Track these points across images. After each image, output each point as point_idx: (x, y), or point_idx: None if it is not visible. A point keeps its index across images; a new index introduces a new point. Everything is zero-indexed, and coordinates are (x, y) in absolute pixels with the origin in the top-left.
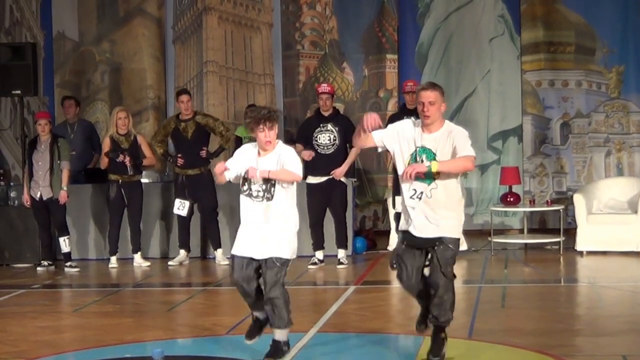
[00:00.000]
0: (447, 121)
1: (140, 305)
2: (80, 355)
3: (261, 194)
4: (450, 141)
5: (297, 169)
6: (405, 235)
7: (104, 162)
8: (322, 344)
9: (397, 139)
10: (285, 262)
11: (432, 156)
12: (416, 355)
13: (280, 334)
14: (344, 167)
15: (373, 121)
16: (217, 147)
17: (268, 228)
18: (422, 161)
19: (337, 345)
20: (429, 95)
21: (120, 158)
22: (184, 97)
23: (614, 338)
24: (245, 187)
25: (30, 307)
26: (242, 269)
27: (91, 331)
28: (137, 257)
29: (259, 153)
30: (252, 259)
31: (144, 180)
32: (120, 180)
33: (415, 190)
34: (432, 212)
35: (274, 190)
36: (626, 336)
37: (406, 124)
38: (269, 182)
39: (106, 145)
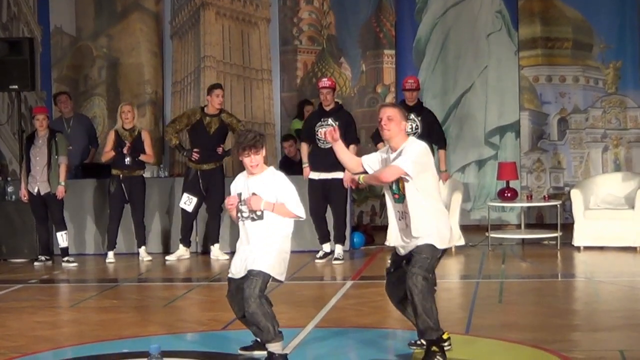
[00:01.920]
0: (411, 138)
1: (137, 301)
2: (78, 350)
3: (246, 214)
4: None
5: (299, 210)
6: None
7: (107, 155)
8: (319, 339)
9: (380, 164)
10: (259, 274)
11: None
12: (414, 349)
13: (273, 347)
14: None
15: (330, 134)
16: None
17: (250, 248)
18: (391, 187)
19: (334, 341)
20: (387, 111)
21: (126, 149)
22: (219, 92)
23: (611, 333)
24: (240, 209)
25: (28, 302)
26: (231, 291)
27: (88, 326)
28: (142, 251)
29: (247, 176)
30: (237, 279)
31: (145, 175)
32: (121, 175)
33: (399, 212)
34: (409, 230)
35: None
36: (623, 331)
37: (383, 150)
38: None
39: (110, 139)
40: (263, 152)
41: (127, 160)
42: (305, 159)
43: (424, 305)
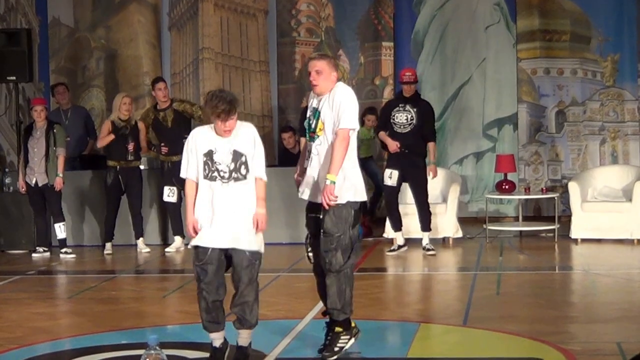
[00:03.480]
0: (339, 84)
1: (135, 292)
2: (76, 342)
3: (226, 173)
4: (333, 105)
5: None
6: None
7: (105, 141)
8: (318, 330)
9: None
10: (258, 256)
11: (316, 114)
12: (411, 341)
13: (249, 336)
14: None
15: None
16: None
17: (235, 216)
18: (311, 123)
19: None
20: (315, 65)
21: (130, 147)
22: (162, 85)
23: (607, 325)
24: (207, 171)
25: (26, 293)
26: (213, 266)
27: (86, 318)
28: (140, 243)
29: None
30: (217, 251)
31: (141, 166)
32: (118, 167)
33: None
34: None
35: (245, 169)
36: (620, 323)
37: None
38: (239, 157)
39: (106, 128)
40: (236, 115)
41: (130, 154)
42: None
43: (336, 286)
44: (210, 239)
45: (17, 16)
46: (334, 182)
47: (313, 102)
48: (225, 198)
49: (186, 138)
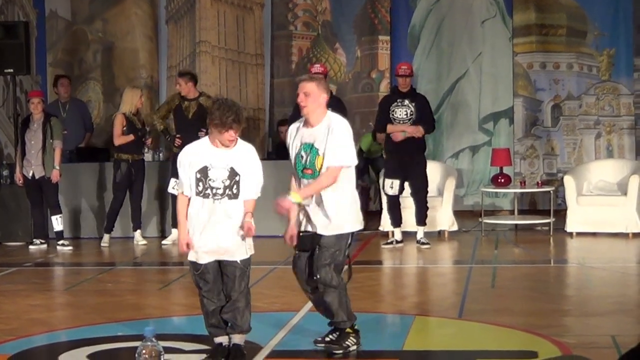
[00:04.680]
0: (329, 113)
1: (132, 284)
2: (73, 333)
3: (220, 190)
4: (328, 136)
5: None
6: None
7: (124, 140)
8: (313, 323)
9: (290, 142)
10: (248, 264)
11: (313, 150)
12: (407, 334)
13: (243, 339)
14: None
15: (284, 208)
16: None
17: (224, 228)
18: (303, 157)
19: (328, 325)
20: (304, 87)
21: (148, 142)
22: (180, 80)
23: (602, 318)
24: (200, 187)
25: (23, 285)
26: (211, 276)
27: (83, 309)
28: (137, 235)
29: (214, 146)
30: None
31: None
32: (130, 159)
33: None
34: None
35: (237, 188)
36: (615, 316)
37: (292, 127)
38: (234, 176)
39: (120, 123)
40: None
41: (147, 150)
42: None
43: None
44: (202, 256)
45: (15, 9)
46: (298, 203)
47: (303, 135)
48: (217, 214)
49: (203, 132)
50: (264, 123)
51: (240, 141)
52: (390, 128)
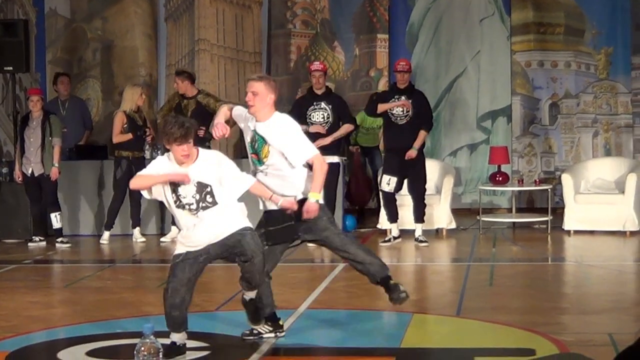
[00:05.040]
0: (277, 113)
1: (131, 281)
2: (71, 330)
3: (194, 205)
4: (279, 136)
5: (247, 182)
6: None
7: (123, 138)
8: (312, 320)
9: (242, 120)
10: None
11: (264, 142)
12: (404, 331)
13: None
14: (329, 138)
15: (220, 130)
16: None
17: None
18: (254, 147)
19: (326, 322)
20: (252, 86)
21: (149, 138)
22: (177, 79)
23: (600, 316)
24: (175, 200)
25: (22, 282)
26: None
27: (82, 306)
28: (137, 232)
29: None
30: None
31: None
32: (130, 156)
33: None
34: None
35: (211, 197)
36: (612, 314)
37: (242, 111)
38: (204, 189)
39: (120, 120)
40: (192, 140)
41: (147, 147)
42: None
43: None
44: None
45: (14, 7)
46: (318, 200)
47: (250, 123)
48: (199, 224)
49: (202, 130)
50: None
51: (201, 152)
52: (381, 107)
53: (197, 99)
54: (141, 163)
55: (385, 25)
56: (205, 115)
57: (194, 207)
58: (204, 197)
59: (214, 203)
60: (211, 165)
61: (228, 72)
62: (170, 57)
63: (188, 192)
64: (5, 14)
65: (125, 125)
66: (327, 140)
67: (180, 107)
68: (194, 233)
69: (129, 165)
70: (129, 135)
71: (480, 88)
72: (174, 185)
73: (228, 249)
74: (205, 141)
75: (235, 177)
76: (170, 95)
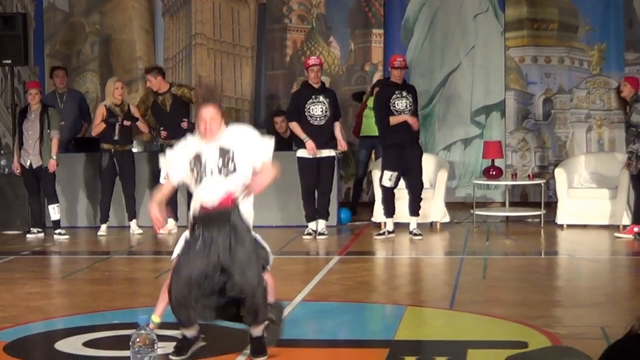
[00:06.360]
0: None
1: (128, 273)
2: (69, 321)
3: (216, 171)
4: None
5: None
6: None
7: (98, 129)
8: (306, 312)
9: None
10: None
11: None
12: (398, 324)
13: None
14: (342, 140)
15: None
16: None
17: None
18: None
19: (321, 314)
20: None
21: (124, 122)
22: (150, 77)
23: (592, 309)
24: (195, 173)
25: (20, 273)
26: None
27: (80, 297)
28: (133, 224)
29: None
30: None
31: (133, 149)
32: (112, 150)
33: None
34: None
35: (232, 163)
36: (604, 307)
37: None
38: (225, 154)
39: (100, 113)
40: (219, 115)
41: (116, 136)
42: (303, 134)
43: None
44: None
45: (13, 0)
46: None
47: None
48: (215, 191)
49: (185, 122)
50: (250, 114)
51: (226, 128)
52: (393, 120)
53: (171, 92)
54: (127, 157)
55: (380, 20)
56: (185, 106)
57: (216, 173)
58: (226, 163)
59: (234, 170)
60: (234, 135)
61: (224, 66)
62: (168, 51)
63: (211, 158)
64: (4, 8)
65: (105, 118)
66: (344, 146)
67: (158, 104)
68: (206, 191)
69: (110, 159)
70: (102, 126)
71: (474, 83)
72: (198, 156)
73: (236, 288)
74: (190, 132)
75: (262, 151)
76: (142, 95)
